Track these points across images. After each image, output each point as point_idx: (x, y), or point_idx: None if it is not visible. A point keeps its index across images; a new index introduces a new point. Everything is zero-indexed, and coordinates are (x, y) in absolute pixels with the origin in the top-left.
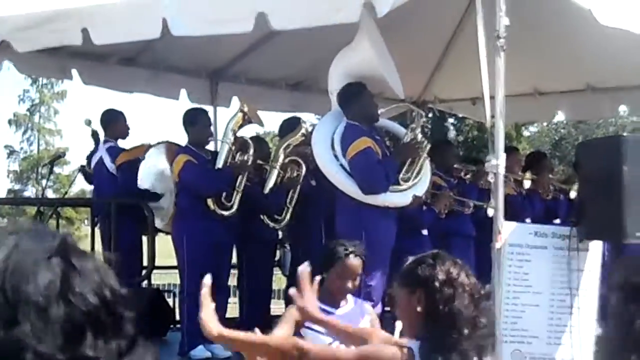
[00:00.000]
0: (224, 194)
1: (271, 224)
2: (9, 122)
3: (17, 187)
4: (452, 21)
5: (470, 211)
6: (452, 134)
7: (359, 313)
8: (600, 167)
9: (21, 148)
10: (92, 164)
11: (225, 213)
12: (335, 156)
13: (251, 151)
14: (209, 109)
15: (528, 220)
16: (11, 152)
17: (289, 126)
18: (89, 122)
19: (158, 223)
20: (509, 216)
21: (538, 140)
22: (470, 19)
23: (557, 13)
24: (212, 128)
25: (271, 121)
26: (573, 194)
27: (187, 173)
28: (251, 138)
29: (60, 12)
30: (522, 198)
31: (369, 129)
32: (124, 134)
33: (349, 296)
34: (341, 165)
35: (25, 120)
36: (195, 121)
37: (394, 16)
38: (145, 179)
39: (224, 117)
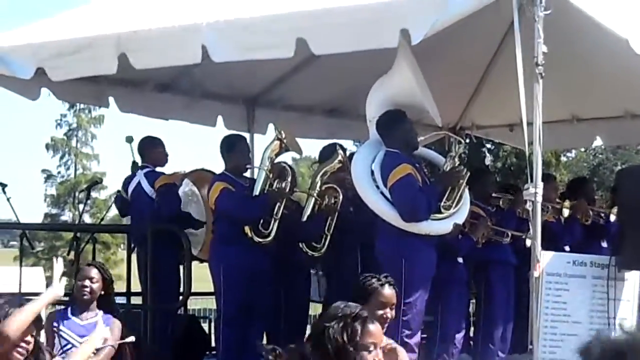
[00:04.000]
0: (261, 222)
1: (309, 252)
2: (47, 146)
3: (54, 211)
4: (490, 48)
5: (509, 241)
6: (489, 160)
7: None
8: None
9: (58, 172)
10: (130, 190)
11: (263, 240)
12: (375, 184)
13: (289, 178)
14: (246, 135)
15: (567, 247)
16: (48, 177)
17: (328, 153)
18: (130, 139)
19: (192, 250)
20: (547, 243)
21: (576, 166)
22: (508, 46)
23: (595, 41)
24: (250, 155)
25: (308, 147)
26: (613, 217)
27: (224, 200)
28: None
29: (95, 39)
30: (561, 225)
31: (409, 156)
32: (162, 161)
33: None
34: (381, 192)
35: (63, 144)
36: (233, 148)
37: (431, 43)
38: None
39: (261, 144)
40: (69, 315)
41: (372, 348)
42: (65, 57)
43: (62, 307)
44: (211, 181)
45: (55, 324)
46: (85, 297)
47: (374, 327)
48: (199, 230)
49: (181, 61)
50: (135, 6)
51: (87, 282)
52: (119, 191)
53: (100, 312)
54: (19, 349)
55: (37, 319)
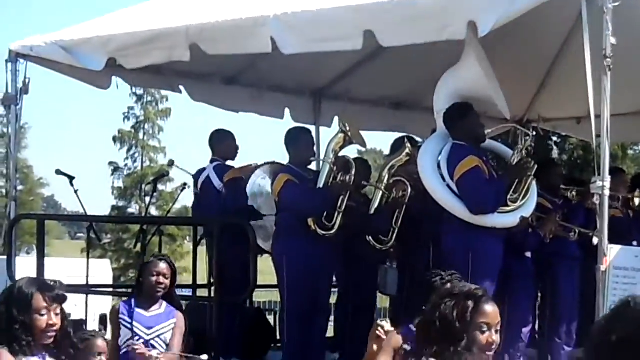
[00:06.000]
0: (324, 214)
1: (377, 245)
2: (114, 139)
3: (120, 203)
4: (558, 40)
5: (575, 238)
6: (555, 153)
7: None
8: None
9: (125, 165)
10: (199, 184)
11: (326, 233)
12: (442, 177)
13: (353, 171)
14: (312, 128)
15: (635, 242)
16: (115, 169)
17: (398, 146)
18: (172, 163)
19: (261, 243)
20: (615, 239)
21: None
22: (576, 38)
23: None
24: (315, 147)
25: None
26: None
27: (287, 192)
28: (354, 159)
29: (166, 31)
30: (628, 219)
31: (476, 148)
32: (233, 154)
33: None
34: (448, 185)
35: (130, 137)
36: (298, 140)
37: (499, 35)
38: (251, 198)
39: (327, 136)
40: (134, 307)
41: (485, 328)
42: (137, 48)
43: (125, 298)
44: (275, 173)
45: (122, 316)
46: (159, 293)
47: (490, 308)
48: (268, 223)
49: (251, 51)
50: (201, 0)
51: (161, 279)
52: (185, 184)
53: (164, 303)
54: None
55: (60, 299)
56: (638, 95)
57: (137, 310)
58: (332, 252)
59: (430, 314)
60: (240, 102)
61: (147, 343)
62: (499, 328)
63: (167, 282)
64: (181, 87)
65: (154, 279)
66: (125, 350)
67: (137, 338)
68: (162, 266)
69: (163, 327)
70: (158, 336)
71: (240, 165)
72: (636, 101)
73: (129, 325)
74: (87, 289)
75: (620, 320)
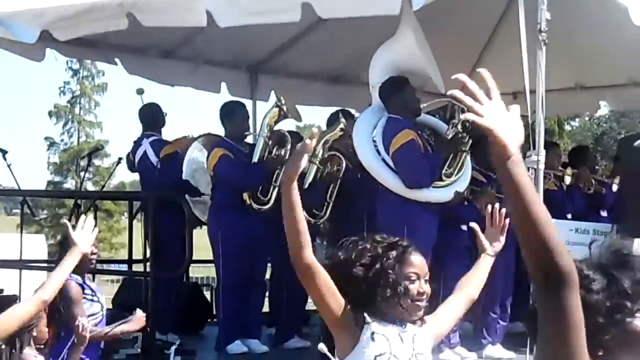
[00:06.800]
0: (260, 189)
1: (311, 220)
2: (50, 113)
3: (57, 179)
4: (494, 15)
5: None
6: None
7: None
8: None
9: (61, 140)
10: (137, 159)
11: (261, 207)
12: (377, 151)
13: (289, 145)
14: (249, 102)
15: (569, 215)
16: (51, 144)
17: (334, 120)
18: (141, 91)
19: (200, 215)
20: (549, 211)
21: (580, 135)
22: (512, 13)
23: (598, 8)
24: (250, 122)
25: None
26: (616, 187)
27: (222, 167)
28: (289, 132)
29: (100, 2)
30: (563, 193)
31: (411, 122)
32: (163, 122)
33: None
34: (383, 159)
35: (66, 112)
36: (232, 115)
37: (435, 10)
38: (187, 172)
39: (264, 111)
40: (83, 281)
41: (414, 277)
42: (70, 20)
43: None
44: (210, 147)
45: (86, 293)
46: (92, 265)
47: (417, 258)
48: (206, 196)
49: (187, 24)
50: None
51: (94, 249)
52: (120, 159)
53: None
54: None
55: None
56: (573, 71)
57: (87, 283)
58: (267, 226)
59: (357, 269)
60: (176, 76)
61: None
62: (427, 278)
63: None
64: (117, 60)
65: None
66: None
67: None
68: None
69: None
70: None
71: (176, 139)
72: (572, 77)
73: (96, 299)
74: (21, 264)
75: None
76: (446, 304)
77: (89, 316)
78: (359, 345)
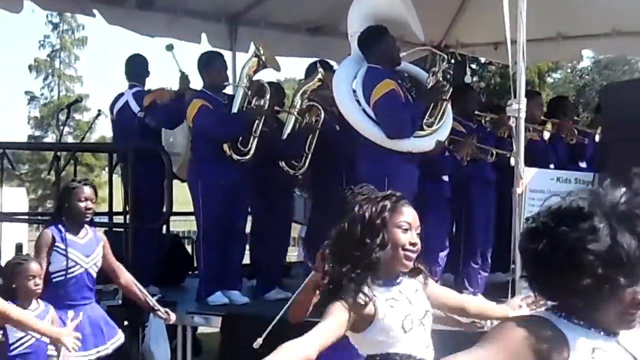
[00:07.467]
0: (239, 139)
1: (290, 171)
2: (30, 67)
3: (37, 133)
4: None
5: (493, 160)
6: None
7: None
8: (626, 110)
9: (42, 94)
10: (115, 110)
11: (241, 158)
12: (357, 101)
13: (268, 96)
14: (228, 53)
15: (552, 166)
16: (32, 99)
17: (312, 71)
18: (171, 47)
19: (173, 169)
20: (531, 162)
21: (562, 87)
22: None
23: None
24: (228, 72)
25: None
26: (598, 137)
27: (201, 118)
28: (268, 83)
29: None
30: (544, 143)
31: (391, 71)
32: (146, 73)
33: None
34: (364, 110)
35: (46, 66)
36: (210, 65)
37: None
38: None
39: (244, 62)
40: (66, 235)
41: (406, 227)
42: None
43: (51, 226)
44: (188, 98)
45: (57, 245)
46: (87, 219)
47: (409, 209)
48: (180, 149)
49: None
50: None
51: (89, 204)
52: (100, 111)
53: (89, 227)
54: None
55: None
56: (556, 21)
57: (70, 236)
58: (247, 177)
59: (346, 221)
60: (156, 27)
61: (86, 272)
62: (419, 232)
63: (94, 206)
64: (95, 11)
65: (83, 204)
66: (58, 278)
67: (77, 267)
68: (88, 191)
69: (97, 253)
70: (95, 264)
71: (156, 88)
72: (554, 26)
73: (63, 252)
74: (1, 217)
75: None
76: (459, 296)
77: (53, 273)
78: (376, 319)
